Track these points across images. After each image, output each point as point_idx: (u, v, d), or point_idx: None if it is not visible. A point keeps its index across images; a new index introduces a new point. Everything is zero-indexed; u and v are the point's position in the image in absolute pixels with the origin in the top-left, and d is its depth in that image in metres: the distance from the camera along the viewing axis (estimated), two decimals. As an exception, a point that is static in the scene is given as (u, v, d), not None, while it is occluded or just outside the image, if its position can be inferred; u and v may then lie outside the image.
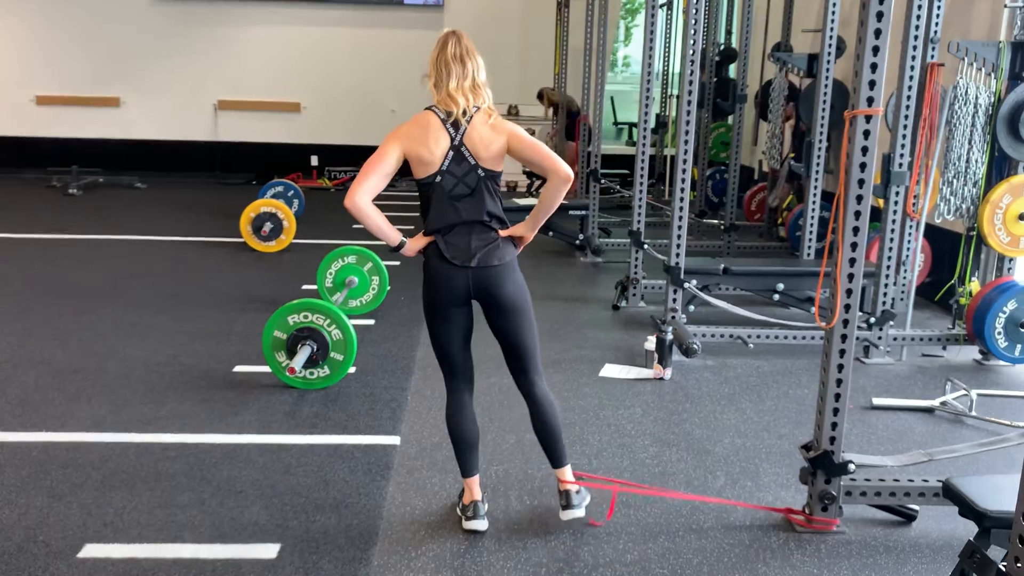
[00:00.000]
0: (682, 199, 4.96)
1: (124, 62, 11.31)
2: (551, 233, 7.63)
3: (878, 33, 2.76)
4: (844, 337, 2.97)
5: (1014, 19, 4.84)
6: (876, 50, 2.76)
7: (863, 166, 2.84)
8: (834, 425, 3.02)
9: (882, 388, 4.53)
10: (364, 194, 2.76)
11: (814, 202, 6.04)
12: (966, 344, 5.00)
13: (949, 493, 2.46)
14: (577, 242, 7.67)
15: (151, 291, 6.14)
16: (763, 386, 4.55)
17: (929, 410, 4.22)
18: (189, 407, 4.03)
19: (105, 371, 4.48)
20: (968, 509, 2.37)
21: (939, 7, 4.95)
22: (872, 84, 2.78)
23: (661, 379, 4.57)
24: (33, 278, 6.40)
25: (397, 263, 6.40)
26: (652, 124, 6.13)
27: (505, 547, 2.92)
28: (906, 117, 4.76)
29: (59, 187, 10.19)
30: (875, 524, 3.13)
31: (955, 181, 4.85)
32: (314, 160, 11.47)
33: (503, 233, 2.92)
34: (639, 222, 5.99)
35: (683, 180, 4.93)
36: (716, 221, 8.28)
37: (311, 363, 4.24)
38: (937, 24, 4.98)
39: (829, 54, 5.78)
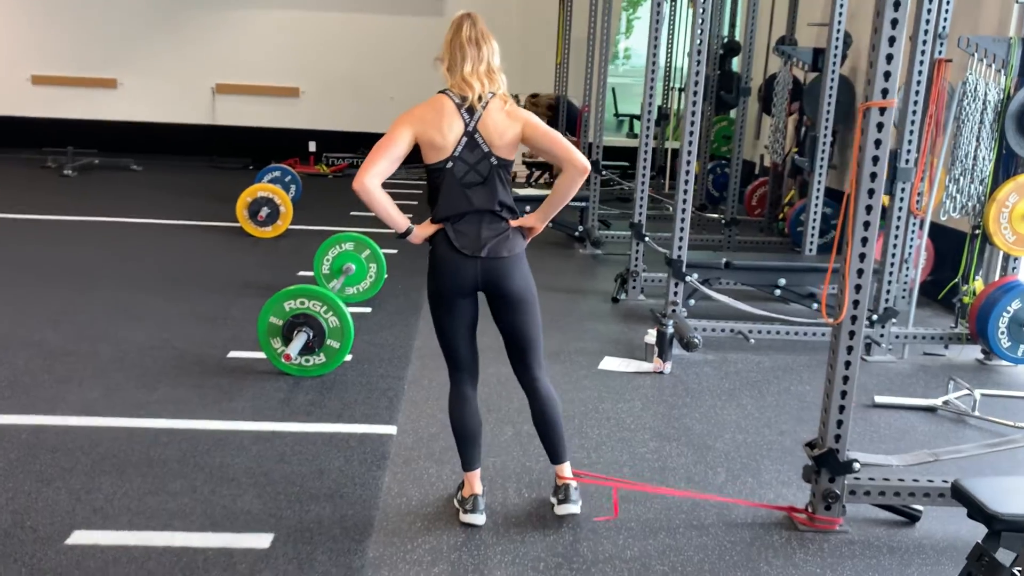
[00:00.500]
0: (686, 192, 4.89)
1: (122, 43, 11.18)
2: (551, 224, 7.53)
3: (895, 23, 2.69)
4: (852, 334, 2.91)
5: (1025, 15, 4.78)
6: (892, 40, 2.70)
7: (876, 159, 2.78)
8: (839, 423, 2.97)
9: (884, 386, 4.48)
10: (374, 177, 2.68)
11: (817, 198, 5.99)
12: (968, 343, 4.95)
13: (958, 495, 2.40)
14: (576, 233, 7.60)
15: (146, 274, 6.07)
16: (764, 382, 4.50)
17: (932, 409, 4.18)
18: (182, 392, 3.97)
19: (97, 354, 4.41)
20: (978, 511, 2.31)
21: (948, 2, 4.88)
22: (887, 75, 2.72)
23: (661, 373, 4.51)
24: (26, 259, 6.31)
25: (395, 251, 6.33)
26: (655, 117, 6.03)
27: (503, 541, 2.87)
28: (913, 113, 4.70)
29: (54, 168, 10.08)
30: (878, 524, 3.08)
31: (962, 179, 4.80)
32: (312, 146, 11.35)
33: (513, 223, 2.85)
34: (640, 214, 5.93)
35: (687, 173, 4.87)
36: (717, 215, 8.23)
37: (307, 350, 4.17)
38: (946, 19, 4.91)
39: (836, 48, 5.72)
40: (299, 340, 4.10)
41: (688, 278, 5.03)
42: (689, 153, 4.80)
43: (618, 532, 2.96)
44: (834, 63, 5.70)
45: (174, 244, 7.10)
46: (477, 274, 2.81)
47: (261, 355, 4.29)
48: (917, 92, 4.71)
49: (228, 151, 11.29)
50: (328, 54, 11.28)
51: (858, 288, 2.88)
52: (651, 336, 4.62)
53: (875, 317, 4.86)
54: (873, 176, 2.79)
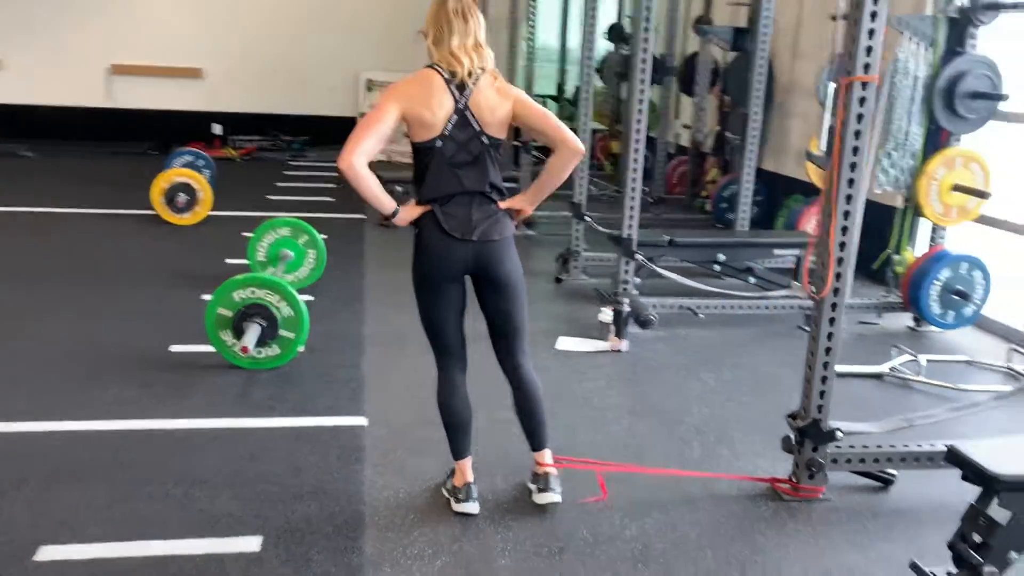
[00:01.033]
0: (635, 171, 4.90)
1: (6, 19, 10.40)
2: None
3: (876, -1, 2.73)
4: (835, 306, 2.97)
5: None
6: (874, 15, 2.74)
7: (857, 133, 2.83)
8: (822, 394, 3.04)
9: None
10: (360, 156, 2.55)
11: (748, 175, 6.11)
12: (901, 311, 5.16)
13: (954, 459, 2.48)
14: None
15: (62, 267, 5.68)
16: (717, 356, 4.57)
17: (879, 376, 4.33)
18: (130, 392, 3.72)
19: (27, 353, 4.09)
20: (977, 474, 2.39)
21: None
22: (869, 50, 2.76)
23: (618, 351, 4.52)
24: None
25: (326, 236, 6.12)
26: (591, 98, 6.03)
27: (501, 528, 2.81)
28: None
29: (-67, 155, 9.36)
30: (857, 491, 3.17)
31: (894, 153, 4.97)
32: (217, 129, 10.86)
33: (502, 205, 2.77)
34: (580, 194, 5.92)
35: (635, 153, 4.87)
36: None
37: (259, 342, 3.99)
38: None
39: (766, 27, 5.83)
40: (253, 332, 3.91)
41: (637, 256, 5.05)
42: (638, 132, 4.80)
43: (612, 513, 2.94)
44: (764, 39, 5.82)
45: (85, 234, 6.67)
46: (468, 258, 2.72)
47: (206, 348, 4.07)
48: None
49: (127, 135, 10.68)
50: (234, 32, 10.78)
51: (840, 261, 2.93)
52: (606, 315, 4.62)
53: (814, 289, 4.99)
54: (855, 150, 2.84)
